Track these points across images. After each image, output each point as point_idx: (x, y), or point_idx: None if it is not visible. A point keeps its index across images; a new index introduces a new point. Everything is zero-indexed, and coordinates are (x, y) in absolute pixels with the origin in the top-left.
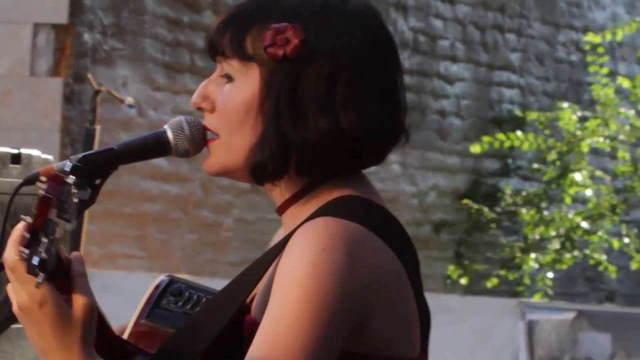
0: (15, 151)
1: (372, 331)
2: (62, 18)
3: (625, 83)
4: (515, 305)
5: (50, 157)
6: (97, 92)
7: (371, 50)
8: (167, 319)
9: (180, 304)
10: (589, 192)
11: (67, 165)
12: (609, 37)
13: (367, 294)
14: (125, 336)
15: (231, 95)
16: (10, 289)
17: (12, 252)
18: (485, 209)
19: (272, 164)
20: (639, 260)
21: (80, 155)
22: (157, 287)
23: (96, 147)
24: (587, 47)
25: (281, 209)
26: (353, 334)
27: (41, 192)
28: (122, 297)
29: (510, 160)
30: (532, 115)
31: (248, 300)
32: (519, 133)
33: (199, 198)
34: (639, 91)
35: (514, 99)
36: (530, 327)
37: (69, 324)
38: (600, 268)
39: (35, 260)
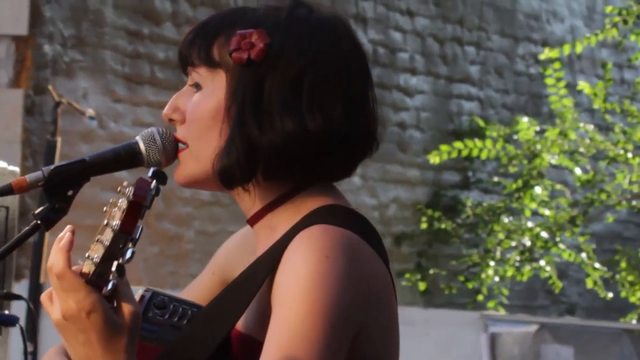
0: None
1: (369, 341)
2: (22, 29)
3: (586, 88)
4: (478, 317)
5: (16, 168)
6: (58, 104)
7: (336, 57)
8: (156, 332)
9: (166, 316)
10: (547, 212)
11: (46, 170)
12: (567, 51)
13: (365, 301)
14: None
15: (198, 103)
16: (46, 298)
17: (59, 259)
18: (446, 220)
19: (239, 168)
20: (597, 275)
21: (52, 166)
22: (141, 300)
23: (57, 159)
24: (541, 56)
25: (253, 219)
26: (352, 343)
27: (129, 197)
28: None
29: (470, 173)
30: (493, 131)
31: None
32: (476, 141)
33: (160, 210)
34: (599, 98)
35: (473, 112)
36: (493, 340)
37: (116, 331)
38: (550, 282)
39: (114, 267)
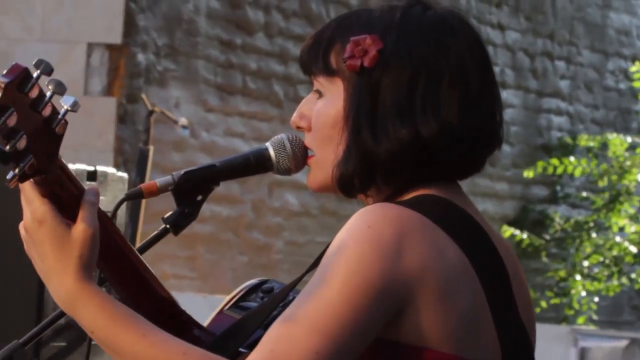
0: (91, 168)
1: (414, 321)
2: (116, 38)
3: None
4: (568, 332)
5: (125, 174)
6: (150, 113)
7: (451, 56)
8: (246, 310)
9: (266, 299)
10: (633, 228)
11: (176, 174)
12: None
13: (410, 281)
14: (207, 322)
15: (320, 111)
16: (22, 225)
17: None
18: (533, 236)
19: (358, 178)
20: None
21: (182, 171)
22: (247, 285)
23: (149, 167)
24: (636, 76)
25: None
26: (392, 322)
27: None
28: None
29: (558, 187)
30: (583, 141)
31: None
32: (571, 158)
33: (250, 220)
34: None
35: (562, 126)
36: (583, 355)
37: (66, 243)
38: None
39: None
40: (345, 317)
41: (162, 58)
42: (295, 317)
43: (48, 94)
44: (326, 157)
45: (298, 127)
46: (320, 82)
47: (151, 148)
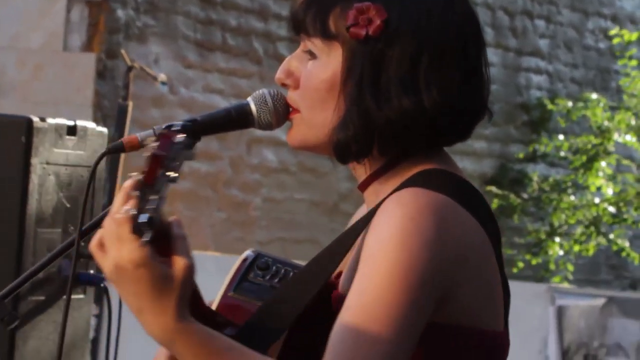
0: (71, 123)
1: (458, 302)
2: None
3: None
4: (545, 290)
5: (104, 129)
6: (130, 69)
7: (453, 30)
8: (255, 292)
9: (267, 277)
10: (610, 190)
11: (176, 125)
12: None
13: (454, 265)
14: (214, 305)
15: (313, 72)
16: (96, 247)
17: (119, 206)
18: (512, 195)
19: (355, 144)
20: None
21: (163, 125)
22: (244, 261)
23: (128, 123)
24: (615, 41)
25: (363, 186)
26: (439, 305)
27: (151, 149)
28: None
29: (537, 146)
30: (562, 104)
31: (334, 276)
32: (561, 137)
33: (228, 176)
34: None
35: (541, 85)
36: (560, 313)
37: (166, 286)
38: (623, 254)
39: (144, 218)
40: (408, 310)
41: (142, 14)
42: (362, 323)
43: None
44: (315, 117)
45: (283, 84)
46: (315, 44)
47: (130, 104)
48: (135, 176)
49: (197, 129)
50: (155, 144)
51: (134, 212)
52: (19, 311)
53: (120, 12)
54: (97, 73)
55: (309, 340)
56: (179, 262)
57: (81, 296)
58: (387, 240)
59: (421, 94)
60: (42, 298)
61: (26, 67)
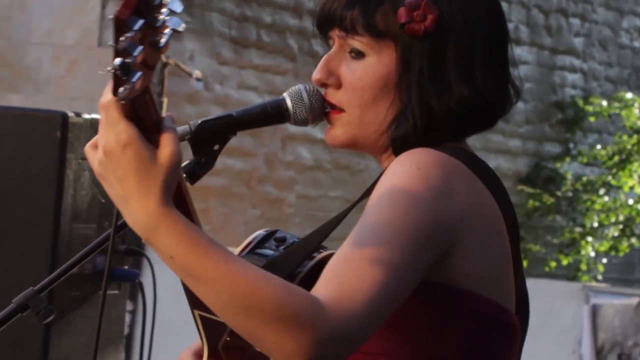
0: None
1: (459, 264)
2: None
3: None
4: (580, 289)
5: None
6: (165, 65)
7: (495, 21)
8: (264, 257)
9: (281, 247)
10: None
11: (193, 124)
12: None
13: (458, 224)
14: None
15: (366, 72)
16: (90, 146)
17: (108, 92)
18: (545, 195)
19: (415, 136)
20: None
21: (199, 120)
22: (257, 235)
23: None
24: None
25: None
26: (438, 264)
27: None
28: None
29: (571, 145)
30: (596, 102)
31: None
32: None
33: (263, 173)
34: None
35: (576, 84)
36: (594, 311)
37: (151, 167)
38: None
39: (117, 63)
40: (404, 252)
41: None
42: (357, 252)
43: (164, 11)
44: (366, 116)
45: (323, 84)
46: (363, 42)
47: (165, 100)
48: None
49: (233, 124)
50: None
51: (112, 68)
52: (54, 305)
53: None
54: None
55: None
56: (164, 148)
57: (116, 292)
58: (390, 185)
59: (477, 81)
60: (77, 294)
61: (61, 63)
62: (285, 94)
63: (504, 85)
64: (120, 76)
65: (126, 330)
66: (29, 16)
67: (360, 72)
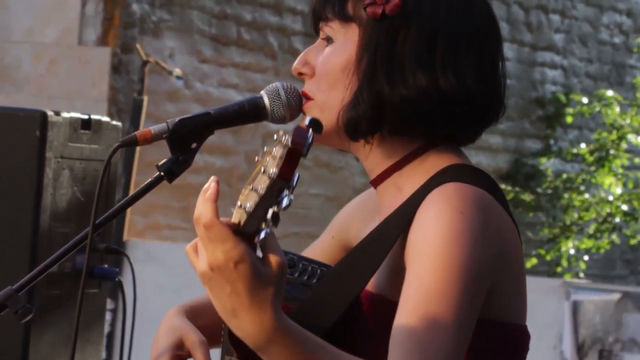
0: (85, 117)
1: (500, 297)
2: None
3: None
4: (560, 285)
5: (119, 123)
6: (145, 63)
7: (470, 20)
8: (288, 291)
9: (296, 275)
10: (618, 190)
11: (170, 122)
12: None
13: (498, 259)
14: None
15: (329, 55)
16: (191, 249)
17: (207, 209)
18: (526, 194)
19: (365, 120)
20: None
21: (177, 119)
22: None
23: (143, 118)
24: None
25: (378, 179)
26: (485, 301)
27: (287, 144)
28: (165, 267)
29: (552, 141)
30: (576, 99)
31: None
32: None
33: (243, 171)
34: None
35: (556, 80)
36: (575, 308)
37: (263, 282)
38: None
39: (270, 214)
40: (465, 309)
41: (157, 8)
42: (424, 313)
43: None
44: (328, 99)
45: (300, 74)
46: (333, 27)
47: (145, 98)
48: (270, 175)
49: (210, 122)
50: (291, 138)
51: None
52: (33, 304)
53: (135, 6)
54: (112, 67)
55: (343, 340)
56: (273, 259)
57: (96, 290)
58: (440, 236)
59: (437, 73)
60: (57, 292)
61: (41, 61)
62: (262, 92)
63: (481, 85)
64: (272, 225)
65: (107, 329)
66: (8, 14)
67: (325, 57)
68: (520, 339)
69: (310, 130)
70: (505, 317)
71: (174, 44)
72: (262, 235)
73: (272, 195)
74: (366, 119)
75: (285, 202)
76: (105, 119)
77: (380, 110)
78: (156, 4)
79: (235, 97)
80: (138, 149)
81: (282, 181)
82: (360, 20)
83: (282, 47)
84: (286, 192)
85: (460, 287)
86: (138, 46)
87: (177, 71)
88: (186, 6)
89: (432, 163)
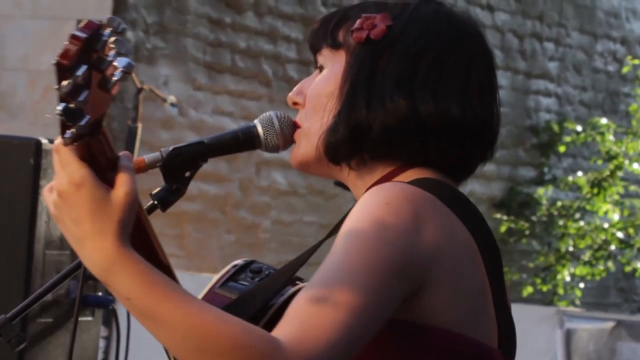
0: None
1: (429, 302)
2: (106, 15)
3: None
4: (554, 313)
5: None
6: (139, 90)
7: (458, 49)
8: (239, 289)
9: (257, 279)
10: (616, 217)
11: (164, 151)
12: None
13: (427, 261)
14: None
15: (317, 83)
16: (47, 189)
17: (59, 136)
18: (521, 222)
19: (345, 145)
20: None
21: (170, 147)
22: (235, 265)
23: (137, 145)
24: (628, 66)
25: None
26: (409, 302)
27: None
28: None
29: (546, 169)
30: (570, 127)
31: None
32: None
33: (238, 199)
34: None
35: (550, 108)
36: (568, 336)
37: (106, 207)
38: (638, 274)
39: (59, 108)
40: (370, 291)
41: (151, 36)
42: (321, 292)
43: (111, 53)
44: (312, 126)
45: (294, 104)
46: (324, 55)
47: (139, 126)
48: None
49: (204, 151)
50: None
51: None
52: (27, 333)
53: (129, 34)
54: None
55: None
56: (118, 188)
57: (89, 318)
58: (356, 220)
59: (415, 99)
60: (51, 320)
61: (36, 88)
62: (256, 121)
63: (467, 113)
64: (65, 121)
65: (101, 356)
66: (4, 42)
67: (313, 84)
68: (471, 351)
69: (109, 29)
70: (440, 323)
71: (169, 72)
72: (67, 134)
73: (62, 88)
74: (345, 143)
75: (77, 91)
76: None
77: (358, 135)
78: (150, 31)
79: (230, 124)
80: None
81: (62, 67)
82: (348, 47)
83: (276, 74)
84: (71, 81)
85: (368, 272)
86: (132, 74)
87: (172, 98)
88: (180, 34)
89: (404, 177)
